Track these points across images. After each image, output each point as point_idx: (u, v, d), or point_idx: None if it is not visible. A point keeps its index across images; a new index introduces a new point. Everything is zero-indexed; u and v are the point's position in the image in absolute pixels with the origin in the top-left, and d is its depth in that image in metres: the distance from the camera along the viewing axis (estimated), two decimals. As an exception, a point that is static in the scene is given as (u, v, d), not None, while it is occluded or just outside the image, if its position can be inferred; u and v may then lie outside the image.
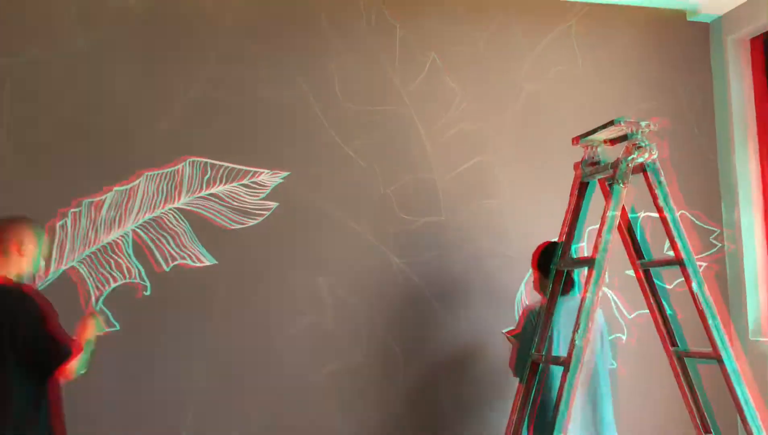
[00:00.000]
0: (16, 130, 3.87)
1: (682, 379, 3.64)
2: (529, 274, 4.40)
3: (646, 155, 3.41)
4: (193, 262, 4.00)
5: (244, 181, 4.11)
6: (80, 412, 3.72)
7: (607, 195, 3.56)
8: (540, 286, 3.87)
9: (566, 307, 3.76)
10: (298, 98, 4.23)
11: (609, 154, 3.66)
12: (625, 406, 4.39)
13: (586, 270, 3.39)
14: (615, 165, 3.42)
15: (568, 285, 3.80)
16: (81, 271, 3.88)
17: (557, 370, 3.64)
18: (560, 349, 3.67)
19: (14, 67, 3.90)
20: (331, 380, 4.10)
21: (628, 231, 3.79)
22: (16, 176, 3.84)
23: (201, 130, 4.08)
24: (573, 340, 3.25)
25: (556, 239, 3.74)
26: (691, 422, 3.71)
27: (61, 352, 3.10)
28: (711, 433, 3.59)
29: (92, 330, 3.36)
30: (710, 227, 4.78)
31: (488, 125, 4.50)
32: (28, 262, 3.23)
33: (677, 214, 3.42)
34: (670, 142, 4.66)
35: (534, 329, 3.72)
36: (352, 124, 4.29)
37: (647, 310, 3.79)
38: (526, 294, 4.43)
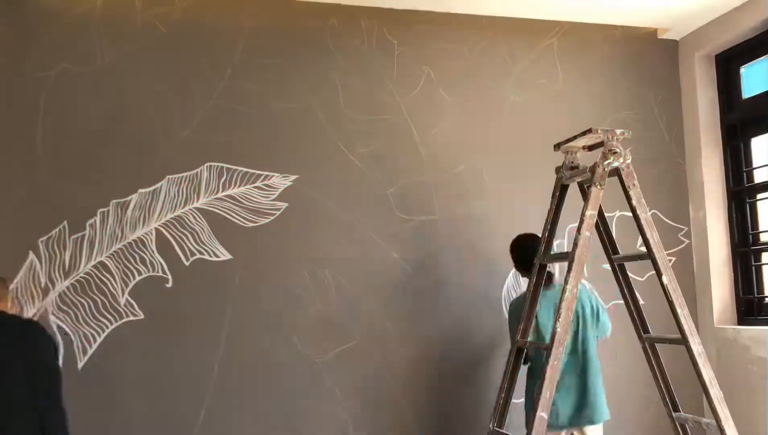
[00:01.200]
0: (51, 139, 3.91)
1: (654, 363, 3.68)
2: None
3: (621, 160, 3.44)
4: (211, 256, 4.03)
5: (257, 184, 4.15)
6: (104, 396, 3.82)
7: (585, 196, 3.60)
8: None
9: (546, 297, 3.84)
10: (306, 109, 4.26)
11: (586, 159, 3.68)
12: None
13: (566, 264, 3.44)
14: (592, 169, 3.45)
15: (549, 279, 3.88)
16: (109, 264, 3.93)
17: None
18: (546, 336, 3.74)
19: (48, 81, 3.93)
20: (335, 361, 4.14)
21: (603, 229, 3.83)
22: (52, 179, 3.88)
23: (219, 138, 4.12)
24: (554, 327, 3.30)
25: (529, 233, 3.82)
26: (661, 401, 3.76)
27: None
28: (679, 411, 3.64)
29: None
30: (678, 225, 4.82)
31: (477, 133, 4.53)
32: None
33: (648, 213, 3.46)
34: (642, 148, 4.71)
35: (516, 318, 3.81)
36: (354, 132, 4.33)
37: (621, 301, 3.83)
38: (512, 285, 4.46)
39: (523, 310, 3.72)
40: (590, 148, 3.68)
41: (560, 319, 3.29)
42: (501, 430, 3.58)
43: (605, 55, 4.84)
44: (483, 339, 4.36)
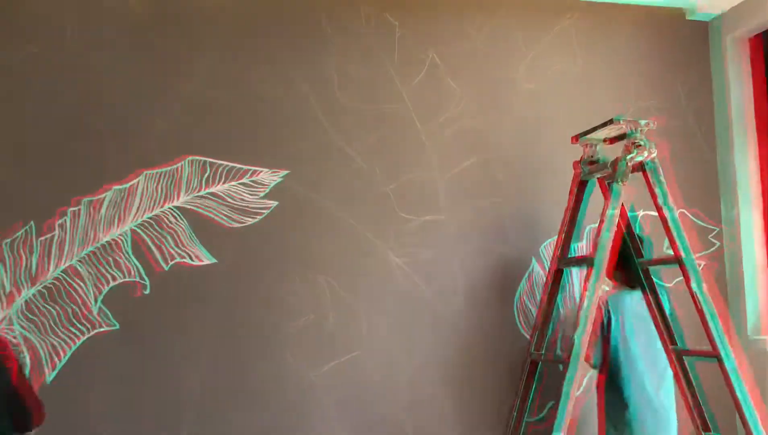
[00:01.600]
0: (13, 129, 3.86)
1: (681, 377, 3.65)
2: (529, 271, 4.40)
3: (646, 154, 3.42)
4: (193, 260, 3.98)
5: (244, 180, 4.10)
6: (79, 411, 3.77)
7: (607, 194, 3.56)
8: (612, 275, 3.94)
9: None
10: (297, 97, 4.22)
11: (608, 152, 3.65)
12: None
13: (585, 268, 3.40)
14: (614, 164, 3.43)
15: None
16: (80, 269, 3.86)
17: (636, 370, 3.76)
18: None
19: (11, 65, 3.88)
20: (330, 377, 4.09)
21: (627, 229, 3.79)
22: (14, 176, 3.83)
23: (200, 129, 4.07)
24: (572, 339, 3.25)
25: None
26: (690, 420, 3.70)
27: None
28: (710, 431, 3.59)
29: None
30: (709, 226, 4.77)
31: (487, 124, 4.49)
32: None
33: (676, 213, 3.44)
34: (668, 140, 4.65)
35: (608, 317, 3.82)
36: (351, 122, 4.28)
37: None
38: (526, 290, 4.40)
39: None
40: (612, 140, 3.67)
41: (579, 330, 3.24)
42: (513, 453, 3.53)
43: (628, 37, 4.81)
44: (495, 351, 4.31)
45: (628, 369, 3.81)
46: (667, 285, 4.43)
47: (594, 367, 3.89)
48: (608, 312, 3.86)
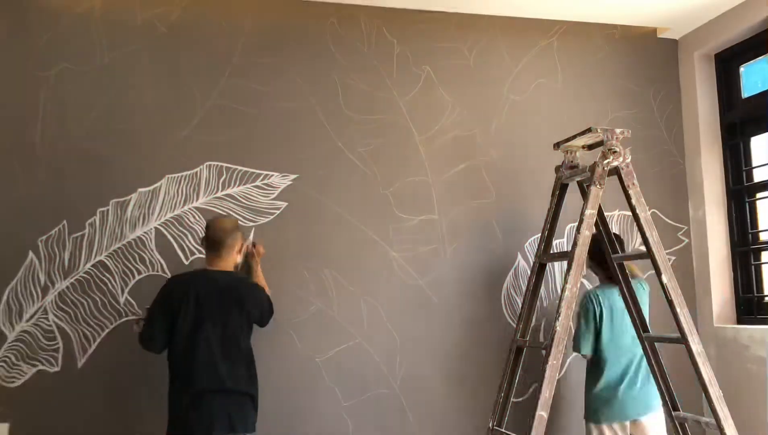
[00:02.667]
0: (51, 138, 3.91)
1: (652, 361, 3.67)
2: (515, 265, 4.45)
3: (620, 159, 3.44)
4: (210, 256, 4.01)
5: (257, 183, 4.14)
6: (108, 392, 3.82)
7: (585, 195, 3.59)
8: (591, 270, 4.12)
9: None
10: (305, 108, 4.25)
11: (586, 158, 3.67)
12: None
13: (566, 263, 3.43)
14: (592, 168, 3.45)
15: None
16: (108, 264, 3.91)
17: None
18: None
19: (47, 80, 3.94)
20: (334, 361, 4.12)
21: (603, 228, 3.82)
22: (51, 179, 3.88)
23: (218, 137, 4.11)
24: (554, 326, 3.29)
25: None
26: (660, 400, 3.74)
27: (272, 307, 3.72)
28: (679, 410, 3.63)
29: (258, 259, 3.90)
30: (678, 224, 4.80)
31: (477, 132, 4.51)
32: (239, 257, 3.71)
33: (648, 213, 3.45)
34: (642, 147, 4.69)
35: (594, 309, 3.92)
36: (354, 131, 4.31)
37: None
38: (512, 283, 4.45)
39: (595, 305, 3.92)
40: (590, 147, 3.68)
41: (560, 319, 3.27)
42: (501, 429, 3.57)
43: (605, 54, 4.83)
44: (483, 337, 4.34)
45: (615, 356, 3.92)
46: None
47: (584, 354, 3.97)
48: (600, 306, 3.94)
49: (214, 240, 3.56)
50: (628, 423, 3.89)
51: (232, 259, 3.60)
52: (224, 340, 3.43)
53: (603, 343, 3.90)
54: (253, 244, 3.93)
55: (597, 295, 3.98)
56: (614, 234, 3.92)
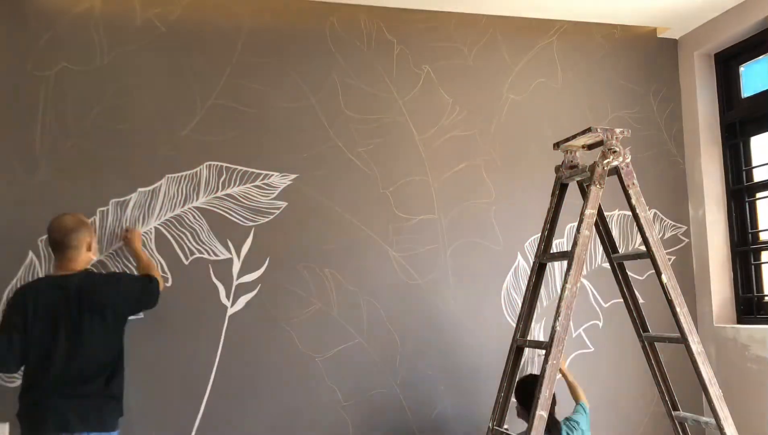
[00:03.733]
0: (50, 138, 3.89)
1: (652, 361, 3.66)
2: (515, 265, 4.45)
3: (620, 159, 3.42)
4: (210, 255, 4.01)
5: (257, 183, 4.13)
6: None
7: (585, 195, 3.58)
8: (520, 414, 3.92)
9: None
10: (305, 108, 4.24)
11: (586, 158, 3.66)
12: (603, 385, 4.43)
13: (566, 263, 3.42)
14: (592, 168, 3.43)
15: None
16: (108, 263, 3.90)
17: None
18: None
19: (47, 80, 3.92)
20: (335, 360, 4.12)
21: (603, 228, 3.81)
22: (51, 178, 3.87)
23: (218, 137, 4.10)
24: (553, 326, 3.27)
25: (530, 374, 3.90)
26: (660, 400, 3.73)
27: (154, 284, 3.57)
28: (679, 409, 3.62)
29: (139, 241, 3.81)
30: (678, 224, 4.80)
31: (477, 132, 4.51)
32: (94, 254, 3.55)
33: (648, 212, 3.44)
34: (642, 147, 4.69)
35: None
36: (354, 131, 4.31)
37: (620, 299, 3.80)
38: (512, 283, 4.44)
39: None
40: (590, 147, 3.67)
41: (560, 318, 3.26)
42: (501, 429, 3.56)
43: (605, 54, 4.83)
44: (483, 337, 4.33)
45: None
46: (640, 278, 4.49)
47: None
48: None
49: (56, 241, 3.37)
50: None
51: (83, 259, 3.41)
52: (77, 347, 3.27)
53: None
54: (126, 230, 3.87)
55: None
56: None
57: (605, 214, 3.81)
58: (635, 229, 4.49)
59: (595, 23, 4.81)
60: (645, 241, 3.40)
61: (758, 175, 4.62)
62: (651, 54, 4.93)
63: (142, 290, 3.54)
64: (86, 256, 3.44)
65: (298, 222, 4.15)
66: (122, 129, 3.99)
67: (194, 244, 4.00)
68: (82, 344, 3.28)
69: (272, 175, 4.15)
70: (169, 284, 3.93)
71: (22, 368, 3.37)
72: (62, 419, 3.20)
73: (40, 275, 3.77)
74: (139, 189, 3.97)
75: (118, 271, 3.87)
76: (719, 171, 4.76)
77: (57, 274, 3.40)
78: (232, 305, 4.02)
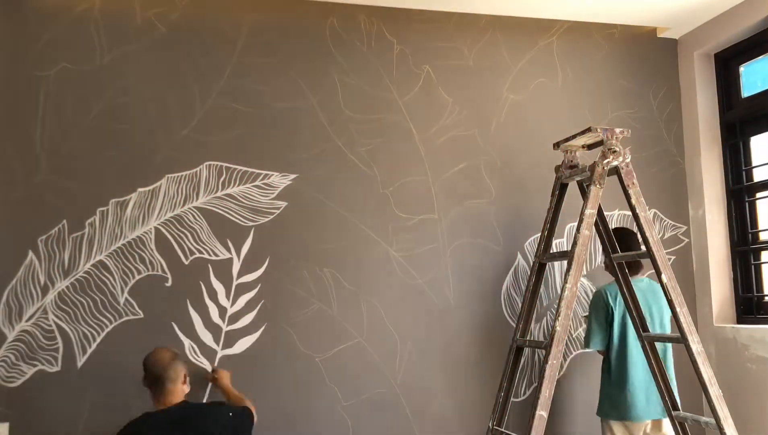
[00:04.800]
0: (50, 138, 3.89)
1: (652, 361, 3.66)
2: (515, 265, 4.44)
3: (620, 159, 3.43)
4: (211, 255, 4.01)
5: (257, 183, 4.12)
6: (107, 392, 3.80)
7: (585, 195, 3.58)
8: (607, 267, 4.09)
9: (638, 288, 3.88)
10: (305, 108, 4.24)
11: (586, 158, 3.66)
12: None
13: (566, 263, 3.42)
14: (592, 168, 3.44)
15: (636, 268, 4.04)
16: (108, 263, 3.90)
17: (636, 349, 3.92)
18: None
19: (47, 80, 3.92)
20: (335, 361, 4.12)
21: (603, 227, 3.81)
22: (51, 178, 3.86)
23: (218, 137, 4.09)
24: (553, 326, 3.28)
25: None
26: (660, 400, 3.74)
27: (251, 415, 3.50)
28: (678, 409, 3.62)
29: (227, 379, 3.82)
30: (678, 224, 4.79)
31: (477, 132, 4.50)
32: (188, 387, 3.43)
33: (648, 212, 3.44)
34: (641, 147, 4.69)
35: (606, 304, 3.98)
36: (354, 131, 4.30)
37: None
38: (512, 282, 4.44)
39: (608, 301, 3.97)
40: (590, 146, 3.68)
41: (560, 318, 3.26)
42: (501, 429, 3.56)
43: (604, 53, 4.83)
44: (483, 337, 4.33)
45: (629, 350, 3.94)
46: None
47: (598, 349, 4.02)
48: (613, 302, 3.98)
49: (155, 376, 3.32)
50: (640, 424, 3.90)
51: (179, 391, 3.35)
52: None
53: (613, 340, 3.92)
54: (213, 371, 3.88)
55: (608, 291, 4.02)
56: (625, 230, 4.06)
57: (605, 214, 3.82)
58: (635, 229, 4.50)
59: (595, 23, 4.80)
60: (645, 241, 3.41)
61: (758, 175, 4.61)
62: (651, 54, 4.93)
63: (245, 419, 3.46)
64: (182, 390, 3.37)
65: (298, 222, 4.15)
66: (122, 129, 3.99)
67: (194, 244, 4.00)
68: None
69: (272, 175, 4.15)
70: (169, 284, 3.93)
71: None
72: None
73: (40, 275, 3.78)
74: (139, 189, 3.97)
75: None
76: (719, 171, 4.76)
77: (158, 408, 3.33)
78: (232, 305, 4.01)
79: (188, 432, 3.22)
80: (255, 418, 3.52)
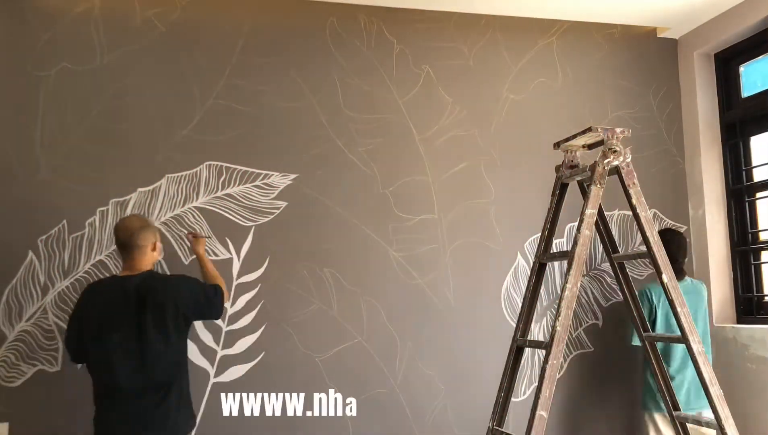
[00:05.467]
0: (50, 138, 3.89)
1: (653, 361, 3.65)
2: (515, 265, 4.43)
3: (621, 158, 3.42)
4: (210, 255, 4.00)
5: (257, 183, 4.12)
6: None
7: (585, 195, 3.57)
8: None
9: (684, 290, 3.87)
10: (305, 108, 4.24)
11: (586, 157, 3.65)
12: (602, 385, 4.43)
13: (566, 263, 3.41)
14: (592, 167, 3.43)
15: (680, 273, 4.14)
16: (108, 263, 3.89)
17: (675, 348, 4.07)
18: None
19: (47, 80, 3.92)
20: (335, 361, 4.11)
21: (603, 227, 3.80)
22: (51, 178, 3.86)
23: (218, 137, 4.09)
24: (554, 326, 3.26)
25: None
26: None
27: (219, 294, 3.48)
28: (679, 409, 3.61)
29: (202, 247, 3.79)
30: (678, 224, 4.78)
31: (477, 132, 4.50)
32: (159, 254, 3.49)
33: (648, 212, 3.43)
34: (642, 146, 4.68)
35: (650, 302, 4.12)
36: (354, 131, 4.30)
37: (621, 299, 3.80)
38: (512, 282, 4.43)
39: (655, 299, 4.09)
40: (590, 146, 3.66)
41: (560, 318, 3.25)
42: (501, 429, 3.55)
43: (604, 53, 4.82)
44: (483, 337, 4.32)
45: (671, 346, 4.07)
46: (640, 278, 4.47)
47: (635, 345, 4.04)
48: (657, 299, 4.10)
49: (122, 242, 3.33)
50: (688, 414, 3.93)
51: (147, 259, 3.36)
52: (139, 347, 3.21)
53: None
54: (190, 234, 3.88)
55: (653, 290, 4.15)
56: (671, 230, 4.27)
57: (605, 214, 3.81)
58: (635, 229, 4.50)
59: (595, 23, 4.80)
60: (645, 240, 3.40)
61: (758, 175, 4.61)
62: (651, 54, 4.92)
63: (206, 295, 3.43)
64: (151, 256, 3.39)
65: (298, 222, 4.15)
66: (122, 129, 3.98)
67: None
68: (142, 345, 3.22)
69: (272, 175, 4.15)
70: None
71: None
72: (126, 427, 3.23)
73: (40, 275, 3.78)
74: (139, 189, 3.97)
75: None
76: (719, 171, 4.75)
77: (122, 274, 3.36)
78: (232, 305, 4.01)
79: (143, 300, 3.23)
80: (226, 298, 3.53)
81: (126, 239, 3.32)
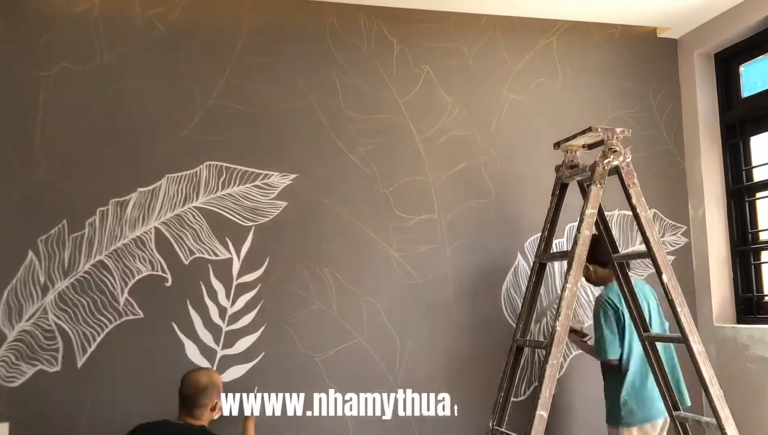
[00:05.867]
0: (50, 138, 3.89)
1: (652, 360, 3.65)
2: (515, 265, 4.43)
3: (621, 158, 3.42)
4: (211, 255, 4.00)
5: (257, 183, 4.12)
6: (107, 392, 3.80)
7: (585, 195, 3.57)
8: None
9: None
10: (305, 108, 4.24)
11: (586, 157, 3.65)
12: (602, 385, 4.42)
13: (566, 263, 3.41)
14: (592, 167, 3.43)
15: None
16: (108, 263, 3.89)
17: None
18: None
19: (47, 80, 3.92)
20: (335, 361, 4.11)
21: (603, 227, 3.80)
22: (51, 178, 3.86)
23: (218, 137, 4.09)
24: (553, 327, 3.27)
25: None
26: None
27: None
28: (679, 409, 3.61)
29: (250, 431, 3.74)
30: (678, 224, 4.78)
31: (477, 132, 4.50)
32: (217, 414, 3.49)
33: (648, 212, 3.43)
34: (642, 146, 4.68)
35: (616, 310, 3.87)
36: (354, 131, 4.30)
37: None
38: (512, 282, 4.43)
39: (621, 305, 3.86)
40: (590, 146, 3.67)
41: (560, 318, 3.25)
42: (501, 429, 3.55)
43: (604, 53, 4.82)
44: (483, 337, 4.31)
45: (633, 354, 3.87)
46: (640, 277, 4.47)
47: (612, 359, 3.88)
48: (620, 306, 3.87)
49: (185, 396, 3.40)
50: (659, 421, 3.87)
51: (205, 416, 3.40)
52: None
53: (625, 343, 3.86)
54: (247, 417, 3.81)
55: (611, 296, 3.92)
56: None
57: (605, 214, 3.81)
58: (635, 229, 4.50)
59: (595, 23, 4.80)
60: (645, 240, 3.40)
61: (758, 175, 4.60)
62: (651, 54, 4.92)
63: None
64: (209, 415, 3.42)
65: (298, 222, 4.14)
66: (122, 129, 3.98)
67: (194, 244, 3.99)
68: None
69: (272, 174, 4.14)
70: (168, 284, 3.92)
71: None
72: None
73: (40, 275, 3.78)
74: (139, 189, 3.96)
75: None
76: (719, 171, 4.75)
77: (177, 421, 3.38)
78: (232, 305, 4.00)
79: None
80: None
81: (190, 395, 3.38)
